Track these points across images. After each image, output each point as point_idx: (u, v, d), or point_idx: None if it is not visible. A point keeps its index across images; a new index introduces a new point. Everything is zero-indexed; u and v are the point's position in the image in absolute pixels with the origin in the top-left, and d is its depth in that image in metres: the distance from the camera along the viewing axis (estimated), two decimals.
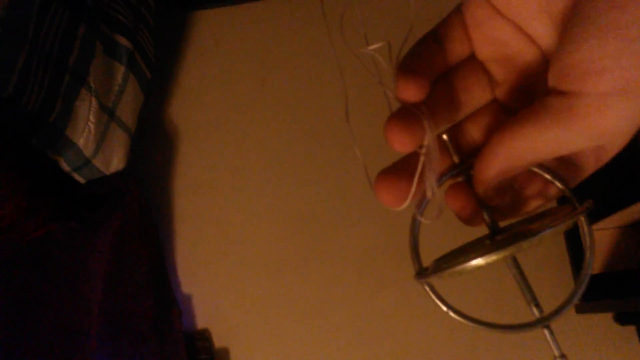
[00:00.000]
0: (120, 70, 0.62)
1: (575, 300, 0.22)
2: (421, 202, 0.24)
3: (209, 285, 0.77)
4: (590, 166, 0.23)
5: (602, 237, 0.68)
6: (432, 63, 0.23)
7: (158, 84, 0.81)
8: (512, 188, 0.24)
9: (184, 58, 0.84)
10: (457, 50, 0.24)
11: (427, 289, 0.24)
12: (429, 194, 0.23)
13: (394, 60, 0.23)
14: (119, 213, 0.68)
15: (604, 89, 0.18)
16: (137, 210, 0.69)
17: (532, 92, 0.22)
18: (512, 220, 0.26)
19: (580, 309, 0.69)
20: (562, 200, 0.25)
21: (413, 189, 0.23)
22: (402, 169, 0.23)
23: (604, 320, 0.70)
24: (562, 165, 0.24)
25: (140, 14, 0.67)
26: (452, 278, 0.23)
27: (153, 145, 0.81)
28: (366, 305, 0.74)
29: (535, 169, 0.23)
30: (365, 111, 0.80)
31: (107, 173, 0.66)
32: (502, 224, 0.25)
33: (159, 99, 0.82)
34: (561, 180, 0.23)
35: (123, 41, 0.62)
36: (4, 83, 0.46)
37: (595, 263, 0.68)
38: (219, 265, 0.77)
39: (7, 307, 0.62)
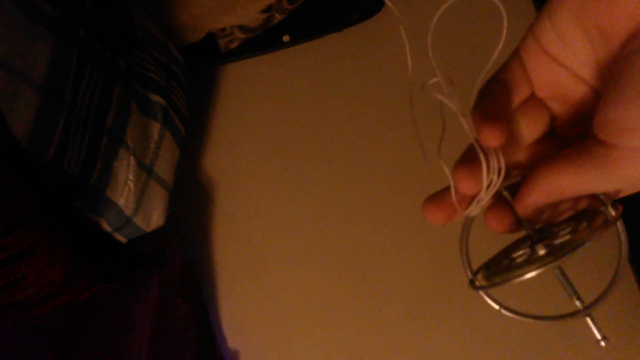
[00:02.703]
0: (156, 128, 0.63)
1: (612, 292, 0.26)
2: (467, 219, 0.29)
3: (255, 338, 0.75)
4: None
5: None
6: (503, 106, 0.26)
7: (192, 138, 0.81)
8: (548, 207, 0.27)
9: (216, 111, 0.85)
10: (519, 91, 0.27)
11: (483, 295, 0.28)
12: (475, 212, 0.27)
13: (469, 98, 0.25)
14: (160, 270, 0.67)
15: (635, 144, 0.21)
16: (178, 265, 0.68)
17: (586, 124, 0.25)
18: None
19: None
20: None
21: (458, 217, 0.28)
22: (446, 200, 0.28)
23: None
24: None
25: (171, 72, 0.69)
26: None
27: (190, 199, 0.81)
28: (422, 347, 0.70)
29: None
30: (403, 145, 0.79)
31: (148, 230, 0.65)
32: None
33: (194, 153, 0.83)
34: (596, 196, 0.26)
35: (157, 99, 0.63)
36: (45, 149, 0.47)
37: None
38: (265, 317, 0.75)
39: None
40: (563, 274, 0.27)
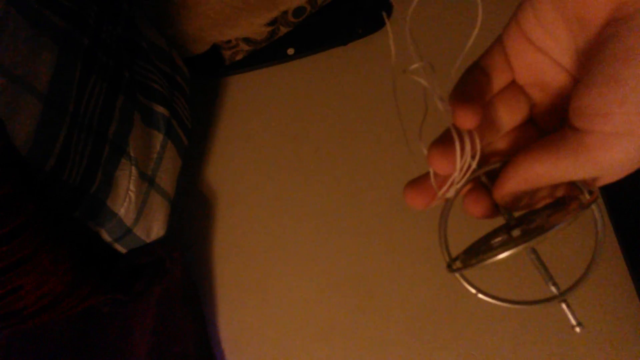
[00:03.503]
0: (159, 138, 0.63)
1: (588, 278, 0.26)
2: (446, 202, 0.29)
3: (254, 354, 0.74)
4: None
5: None
6: (481, 91, 0.27)
7: (195, 149, 0.81)
8: (526, 195, 0.26)
9: (220, 122, 0.85)
10: (500, 78, 0.28)
11: (459, 278, 0.28)
12: (450, 194, 0.28)
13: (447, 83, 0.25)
14: (160, 282, 0.67)
15: (608, 129, 0.21)
16: (179, 277, 0.68)
17: (565, 112, 0.25)
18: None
19: None
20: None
21: (437, 199, 0.28)
22: (426, 184, 0.28)
23: None
24: None
25: (175, 83, 0.69)
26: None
27: (191, 210, 0.81)
28: None
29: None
30: (411, 160, 0.79)
31: (148, 241, 0.65)
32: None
33: (196, 164, 0.83)
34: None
35: (160, 109, 0.63)
36: (46, 157, 0.47)
37: None
38: (264, 332, 0.74)
39: None
40: (539, 259, 0.27)
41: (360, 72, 0.85)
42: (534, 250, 0.27)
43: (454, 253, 0.29)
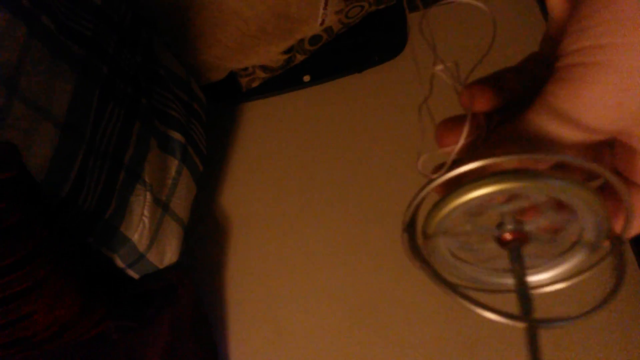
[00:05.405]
0: (174, 164, 0.63)
1: (575, 321, 0.21)
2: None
3: None
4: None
5: None
6: (506, 84, 0.26)
7: (211, 175, 0.82)
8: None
9: (236, 149, 0.86)
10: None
11: (403, 240, 0.24)
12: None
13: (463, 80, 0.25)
14: (171, 308, 0.66)
15: (581, 59, 0.20)
16: (190, 304, 0.67)
17: None
18: None
19: None
20: None
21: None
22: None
23: None
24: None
25: (192, 109, 0.69)
26: (442, 228, 0.24)
27: (204, 236, 0.80)
28: None
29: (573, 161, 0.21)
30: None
31: (161, 267, 0.65)
32: None
33: (212, 190, 0.83)
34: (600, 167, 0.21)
35: (176, 136, 0.64)
36: (62, 184, 0.47)
37: None
38: None
39: None
40: (522, 272, 0.23)
41: (375, 99, 0.85)
42: (519, 257, 0.23)
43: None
